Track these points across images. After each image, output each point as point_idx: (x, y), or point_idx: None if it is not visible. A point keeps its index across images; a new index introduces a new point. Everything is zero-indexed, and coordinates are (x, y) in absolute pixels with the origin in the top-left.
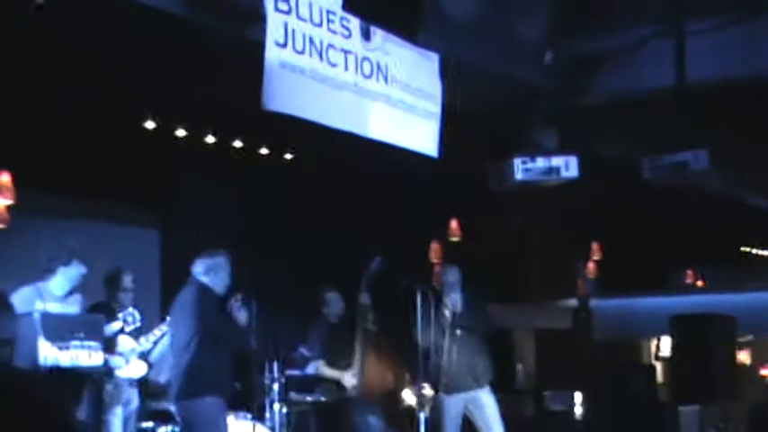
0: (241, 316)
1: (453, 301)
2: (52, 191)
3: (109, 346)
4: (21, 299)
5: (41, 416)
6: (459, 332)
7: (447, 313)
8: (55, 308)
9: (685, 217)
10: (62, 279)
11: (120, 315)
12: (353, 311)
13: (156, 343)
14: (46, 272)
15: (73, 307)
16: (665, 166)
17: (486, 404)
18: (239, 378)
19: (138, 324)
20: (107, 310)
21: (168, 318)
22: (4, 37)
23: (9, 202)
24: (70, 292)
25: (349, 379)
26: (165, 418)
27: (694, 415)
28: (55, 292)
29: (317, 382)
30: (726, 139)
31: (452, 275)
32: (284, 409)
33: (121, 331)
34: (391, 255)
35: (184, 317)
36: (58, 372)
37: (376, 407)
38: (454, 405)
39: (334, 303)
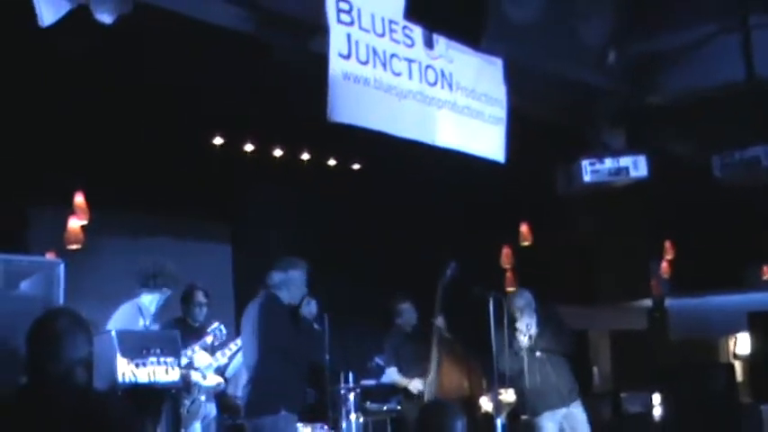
0: (310, 309)
1: (527, 326)
2: (125, 210)
3: (185, 362)
4: (124, 316)
5: None
6: (538, 354)
7: (522, 338)
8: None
9: (759, 212)
10: (160, 298)
11: (209, 330)
12: (428, 321)
13: (231, 357)
14: (147, 288)
15: (155, 324)
16: (736, 163)
17: (579, 422)
18: (314, 389)
19: (224, 338)
20: (183, 325)
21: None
22: (75, 60)
23: (84, 222)
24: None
25: (416, 385)
26: None
27: None
28: (151, 309)
29: (392, 391)
30: None
31: (522, 300)
32: (360, 419)
33: (212, 345)
34: (463, 262)
35: (255, 330)
36: (135, 389)
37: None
38: (550, 422)
39: (407, 314)
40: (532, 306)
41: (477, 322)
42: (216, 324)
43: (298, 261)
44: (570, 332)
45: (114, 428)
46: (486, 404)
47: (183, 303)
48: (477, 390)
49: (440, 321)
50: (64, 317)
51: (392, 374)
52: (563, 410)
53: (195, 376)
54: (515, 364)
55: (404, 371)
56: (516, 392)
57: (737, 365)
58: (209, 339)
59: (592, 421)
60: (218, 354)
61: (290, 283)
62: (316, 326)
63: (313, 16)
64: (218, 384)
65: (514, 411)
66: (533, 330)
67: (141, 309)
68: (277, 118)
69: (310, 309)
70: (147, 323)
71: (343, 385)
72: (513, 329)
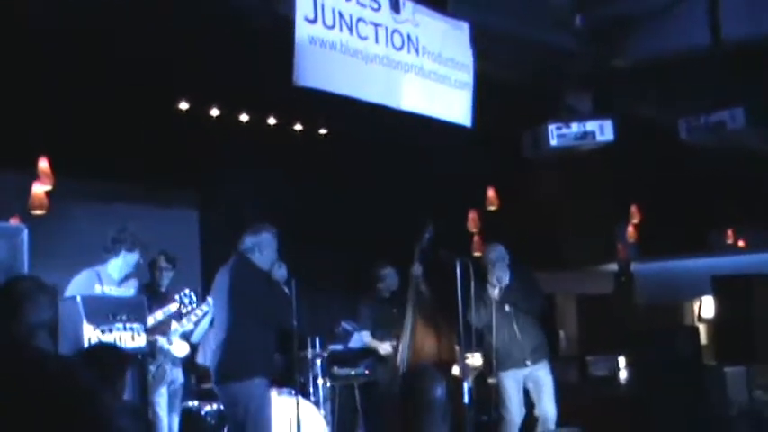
0: (282, 273)
1: (498, 278)
2: (90, 176)
3: (151, 327)
4: (80, 282)
5: (75, 401)
6: (507, 309)
7: (493, 291)
8: (112, 291)
9: (724, 176)
10: (122, 263)
11: (176, 297)
12: (405, 285)
13: (197, 323)
14: (109, 253)
15: (129, 291)
16: (702, 127)
17: (543, 384)
18: (282, 354)
19: (195, 306)
20: (150, 291)
21: (210, 297)
22: (37, 24)
23: (48, 188)
24: (126, 278)
25: (385, 348)
26: (210, 397)
27: (740, 376)
28: (113, 276)
29: (361, 356)
30: (763, 96)
31: (495, 253)
32: (328, 384)
33: (178, 312)
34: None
35: (230, 295)
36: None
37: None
38: (512, 380)
39: (389, 278)
40: (505, 260)
41: (444, 287)
42: (186, 290)
43: (268, 225)
44: (542, 294)
45: (77, 392)
46: (454, 369)
47: (149, 269)
48: (448, 354)
49: (417, 268)
50: (25, 281)
51: (364, 337)
52: (526, 370)
53: (161, 341)
54: (484, 316)
55: (377, 335)
56: (483, 349)
57: (702, 328)
58: (173, 307)
59: (558, 384)
60: (185, 319)
61: (263, 246)
62: (286, 290)
63: None
64: (186, 354)
65: (482, 375)
66: (504, 283)
67: (100, 275)
68: (243, 83)
69: (282, 272)
70: (108, 290)
71: (310, 350)
72: (483, 284)
